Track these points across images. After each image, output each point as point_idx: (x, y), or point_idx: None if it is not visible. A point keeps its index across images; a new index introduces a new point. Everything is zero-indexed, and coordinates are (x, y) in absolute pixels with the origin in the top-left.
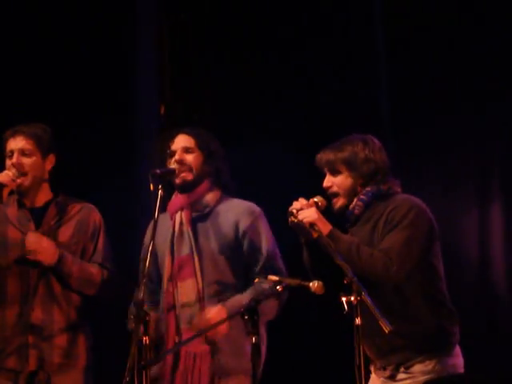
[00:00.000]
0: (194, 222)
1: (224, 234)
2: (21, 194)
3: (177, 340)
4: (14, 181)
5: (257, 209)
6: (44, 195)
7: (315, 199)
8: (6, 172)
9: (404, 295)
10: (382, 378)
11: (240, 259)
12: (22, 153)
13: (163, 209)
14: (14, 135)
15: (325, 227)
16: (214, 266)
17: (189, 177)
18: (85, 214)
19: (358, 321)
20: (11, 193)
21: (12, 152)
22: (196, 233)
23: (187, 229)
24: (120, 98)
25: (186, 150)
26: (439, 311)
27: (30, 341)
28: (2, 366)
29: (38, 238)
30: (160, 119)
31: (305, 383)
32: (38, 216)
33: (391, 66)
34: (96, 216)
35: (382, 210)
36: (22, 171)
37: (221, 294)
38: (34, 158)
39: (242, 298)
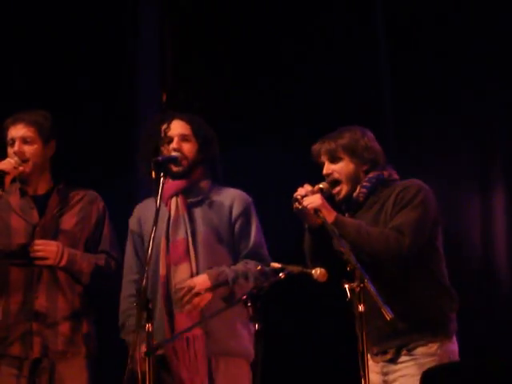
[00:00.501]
0: (189, 208)
1: (219, 220)
2: (23, 182)
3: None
4: (15, 168)
5: (248, 197)
6: (46, 183)
7: (320, 185)
8: (7, 160)
9: (408, 278)
10: (381, 363)
11: (233, 245)
12: (24, 140)
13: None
14: (14, 123)
15: (329, 214)
16: (210, 251)
17: (185, 164)
18: (88, 202)
19: (361, 308)
20: (13, 180)
21: (13, 140)
22: (192, 218)
23: (183, 213)
24: (121, 85)
25: (183, 138)
26: (442, 296)
27: (33, 328)
28: (7, 353)
29: (45, 244)
30: (162, 107)
31: (306, 370)
32: (40, 204)
33: (393, 62)
34: (100, 203)
35: (387, 194)
36: (23, 158)
37: None
38: (35, 146)
39: (228, 270)
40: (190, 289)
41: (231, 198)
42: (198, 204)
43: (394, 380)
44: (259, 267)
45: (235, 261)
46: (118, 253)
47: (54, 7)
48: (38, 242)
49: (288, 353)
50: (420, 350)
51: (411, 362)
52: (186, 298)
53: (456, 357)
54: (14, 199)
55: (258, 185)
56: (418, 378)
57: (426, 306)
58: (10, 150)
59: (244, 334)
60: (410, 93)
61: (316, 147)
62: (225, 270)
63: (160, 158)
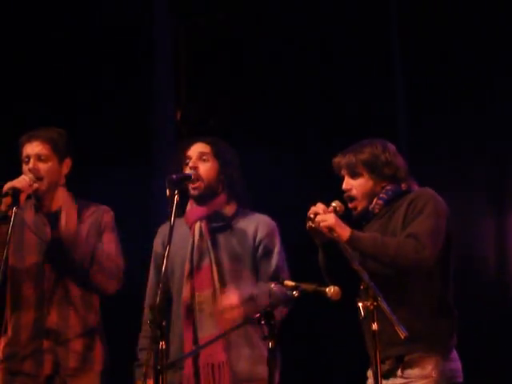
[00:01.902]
0: (213, 234)
1: (243, 246)
2: (38, 199)
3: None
4: (30, 186)
5: (272, 222)
6: (60, 199)
7: (333, 204)
8: (22, 177)
9: (410, 290)
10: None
11: (257, 269)
12: (39, 158)
13: (179, 213)
14: (30, 140)
15: (343, 232)
16: (234, 279)
17: (201, 186)
18: (97, 216)
19: (374, 326)
20: (29, 197)
21: (28, 157)
22: (215, 245)
23: (207, 240)
24: (136, 103)
25: (201, 157)
26: (442, 312)
27: (45, 345)
28: (19, 370)
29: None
30: (176, 125)
31: None
32: (53, 220)
33: (406, 67)
34: (106, 216)
35: (399, 204)
36: (38, 176)
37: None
38: (50, 163)
39: (251, 288)
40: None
41: (255, 224)
42: (222, 230)
43: None
44: (273, 285)
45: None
46: (122, 260)
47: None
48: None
49: (303, 370)
50: (414, 373)
51: (411, 378)
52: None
53: (456, 374)
54: (29, 215)
55: (271, 200)
56: None
57: (424, 320)
58: (24, 167)
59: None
60: (423, 106)
61: (336, 160)
62: (250, 290)
63: (174, 176)
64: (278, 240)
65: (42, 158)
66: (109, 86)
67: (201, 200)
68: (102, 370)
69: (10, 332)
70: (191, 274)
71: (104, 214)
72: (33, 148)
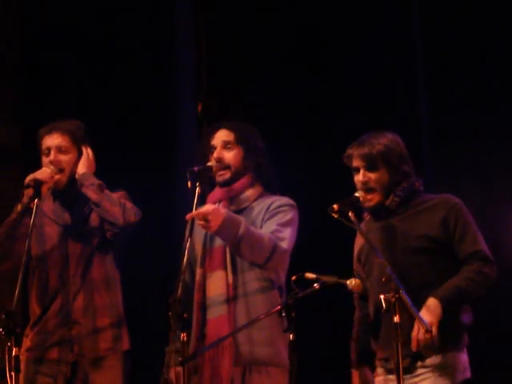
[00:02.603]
0: None
1: (255, 225)
2: (57, 190)
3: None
4: (52, 177)
5: (291, 201)
6: (78, 188)
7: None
8: (44, 169)
9: (430, 289)
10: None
11: None
12: (59, 150)
13: (203, 203)
14: (49, 132)
15: (433, 312)
16: (246, 262)
17: (227, 175)
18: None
19: (396, 318)
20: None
21: (49, 149)
22: None
23: None
24: (157, 95)
25: (226, 146)
26: (463, 311)
27: (72, 331)
28: (45, 356)
29: None
30: (197, 117)
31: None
32: (71, 205)
33: (429, 65)
34: (121, 195)
35: (420, 205)
36: (59, 168)
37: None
38: (70, 155)
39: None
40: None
41: (271, 201)
42: (240, 212)
43: None
44: (293, 278)
45: (275, 272)
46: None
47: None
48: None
49: (323, 361)
50: (435, 361)
51: (428, 374)
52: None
53: (468, 368)
54: (47, 205)
55: (290, 190)
56: None
57: (445, 318)
58: (45, 159)
59: (279, 343)
60: (446, 103)
61: (351, 152)
62: (240, 219)
63: (195, 169)
64: (291, 213)
65: (63, 149)
66: (130, 79)
67: (226, 185)
68: (127, 351)
69: (37, 321)
70: (203, 255)
71: (119, 194)
72: (53, 140)
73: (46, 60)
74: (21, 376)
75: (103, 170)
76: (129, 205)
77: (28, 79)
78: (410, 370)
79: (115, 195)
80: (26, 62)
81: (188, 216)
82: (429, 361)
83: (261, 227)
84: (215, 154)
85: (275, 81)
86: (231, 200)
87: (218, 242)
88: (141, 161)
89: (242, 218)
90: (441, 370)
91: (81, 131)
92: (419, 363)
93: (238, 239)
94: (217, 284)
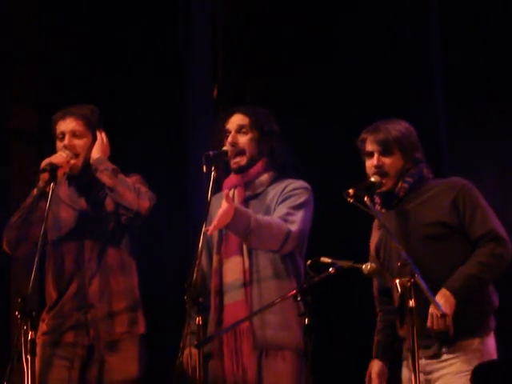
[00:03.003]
0: (245, 201)
1: (270, 210)
2: (72, 174)
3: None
4: (68, 162)
5: (306, 184)
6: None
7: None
8: (59, 153)
9: (450, 269)
10: (424, 360)
11: None
12: (74, 134)
13: (218, 188)
14: (64, 117)
15: (449, 301)
16: None
17: (242, 161)
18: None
19: (411, 303)
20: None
21: (63, 134)
22: None
23: None
24: (172, 81)
25: (240, 130)
26: (484, 293)
27: (87, 315)
28: (62, 340)
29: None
30: (213, 102)
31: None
32: (86, 190)
33: (446, 52)
34: (136, 180)
35: (428, 191)
36: (74, 152)
37: (268, 276)
38: (84, 139)
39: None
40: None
41: (285, 185)
42: (255, 197)
43: (439, 377)
44: (309, 262)
45: (290, 259)
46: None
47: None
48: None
49: (338, 346)
50: (463, 346)
51: (455, 360)
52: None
53: (495, 352)
54: (62, 190)
55: (305, 173)
56: (464, 374)
57: (468, 303)
58: (59, 144)
59: (295, 327)
60: (462, 87)
61: (366, 136)
62: (250, 214)
63: (211, 153)
64: (304, 196)
65: (77, 134)
66: (145, 62)
67: (241, 172)
68: (142, 335)
69: (53, 305)
70: (220, 241)
71: (133, 178)
72: (67, 125)
73: (61, 44)
74: (37, 359)
75: (117, 155)
76: (143, 189)
77: (45, 64)
78: (436, 355)
79: (130, 180)
80: (42, 47)
81: (209, 231)
82: (455, 345)
83: (274, 210)
84: (230, 139)
85: (293, 63)
86: (246, 185)
87: None
88: (156, 145)
89: (251, 212)
90: (467, 355)
91: (95, 115)
92: (445, 347)
93: (246, 233)
94: (233, 269)
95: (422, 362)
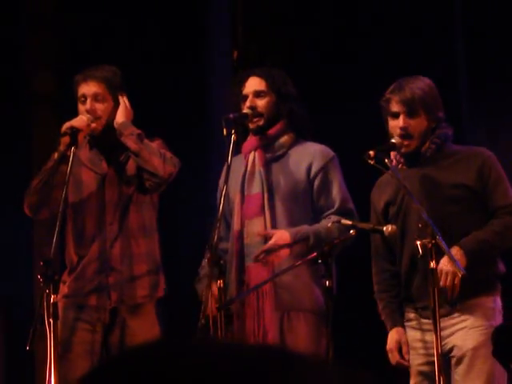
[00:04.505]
0: (267, 163)
1: (297, 177)
2: (94, 137)
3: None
4: (88, 126)
5: (330, 152)
6: (115, 136)
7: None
8: (80, 117)
9: (467, 229)
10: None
11: (311, 203)
12: (95, 98)
13: (237, 152)
14: (86, 80)
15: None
16: (286, 207)
17: (260, 122)
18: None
19: (432, 264)
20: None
21: (85, 97)
22: (268, 173)
23: (259, 168)
24: (192, 43)
25: (258, 94)
26: (497, 260)
27: (109, 278)
28: (84, 303)
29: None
30: (233, 64)
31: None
32: (108, 154)
33: (467, 16)
34: (158, 144)
35: (455, 154)
36: (96, 116)
37: None
38: (106, 103)
39: (308, 228)
40: (269, 239)
41: (311, 154)
42: (277, 159)
43: (452, 333)
44: (329, 224)
45: (315, 218)
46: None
47: None
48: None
49: (358, 309)
50: (476, 303)
51: (468, 316)
52: (262, 253)
53: (502, 312)
54: (84, 153)
55: (330, 141)
56: (478, 329)
57: (480, 264)
58: (81, 107)
59: (315, 290)
60: (483, 56)
61: (391, 96)
62: (304, 228)
63: (231, 116)
64: (336, 170)
65: (99, 98)
66: (165, 28)
67: (259, 133)
68: (161, 297)
69: (76, 268)
70: (242, 202)
71: (156, 141)
72: (89, 88)
73: (79, 6)
74: (59, 323)
75: (137, 119)
76: (168, 154)
77: (61, 25)
78: (447, 313)
79: (154, 144)
80: (59, 9)
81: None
82: (467, 304)
83: (308, 187)
84: (248, 103)
85: (312, 28)
86: (266, 148)
87: (256, 189)
88: (175, 109)
89: (308, 229)
90: (480, 311)
91: (117, 78)
92: (457, 306)
93: (310, 248)
94: (255, 231)
95: (428, 320)
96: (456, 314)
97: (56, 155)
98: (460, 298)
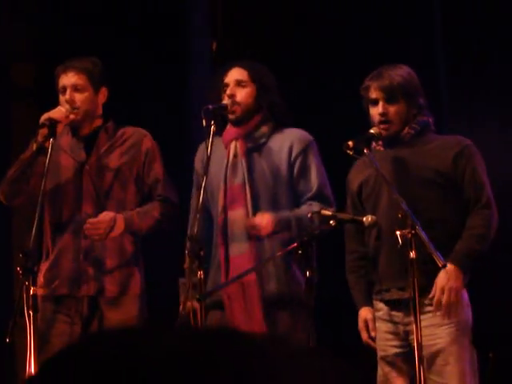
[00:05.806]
0: (248, 153)
1: (279, 162)
2: (74, 127)
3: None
4: (67, 117)
5: (308, 136)
6: (96, 125)
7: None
8: (59, 108)
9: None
10: (402, 312)
11: (294, 189)
12: (75, 88)
13: (217, 134)
14: (65, 71)
15: (458, 277)
16: (268, 196)
17: (237, 111)
18: (136, 140)
19: (412, 254)
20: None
21: (65, 88)
22: (250, 163)
23: (241, 159)
24: (171, 34)
25: (239, 84)
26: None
27: (84, 268)
28: (61, 293)
29: (95, 223)
30: (212, 55)
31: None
32: (89, 143)
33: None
34: (148, 142)
35: (431, 141)
36: (74, 106)
37: None
38: (86, 94)
39: (291, 216)
40: (252, 228)
41: (291, 139)
42: (258, 149)
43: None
44: (310, 215)
45: (296, 203)
46: (174, 194)
47: None
48: (89, 221)
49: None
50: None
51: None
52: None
53: (470, 305)
54: (65, 139)
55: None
56: (447, 326)
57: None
58: (61, 98)
59: (299, 280)
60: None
61: (370, 83)
62: (288, 216)
63: (210, 106)
64: (314, 155)
65: (78, 88)
66: (144, 18)
67: (238, 123)
68: (142, 289)
69: (50, 257)
70: (225, 193)
71: (144, 139)
72: (69, 79)
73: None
74: (39, 315)
75: (117, 108)
76: (159, 209)
77: (42, 14)
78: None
79: (149, 207)
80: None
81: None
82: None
83: (289, 172)
84: (228, 91)
85: (291, 20)
86: (247, 137)
87: (238, 179)
88: (154, 99)
89: (291, 216)
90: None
91: (97, 69)
92: (426, 300)
93: (291, 233)
94: (238, 222)
95: (399, 313)
96: (426, 309)
97: (34, 146)
98: (428, 293)
